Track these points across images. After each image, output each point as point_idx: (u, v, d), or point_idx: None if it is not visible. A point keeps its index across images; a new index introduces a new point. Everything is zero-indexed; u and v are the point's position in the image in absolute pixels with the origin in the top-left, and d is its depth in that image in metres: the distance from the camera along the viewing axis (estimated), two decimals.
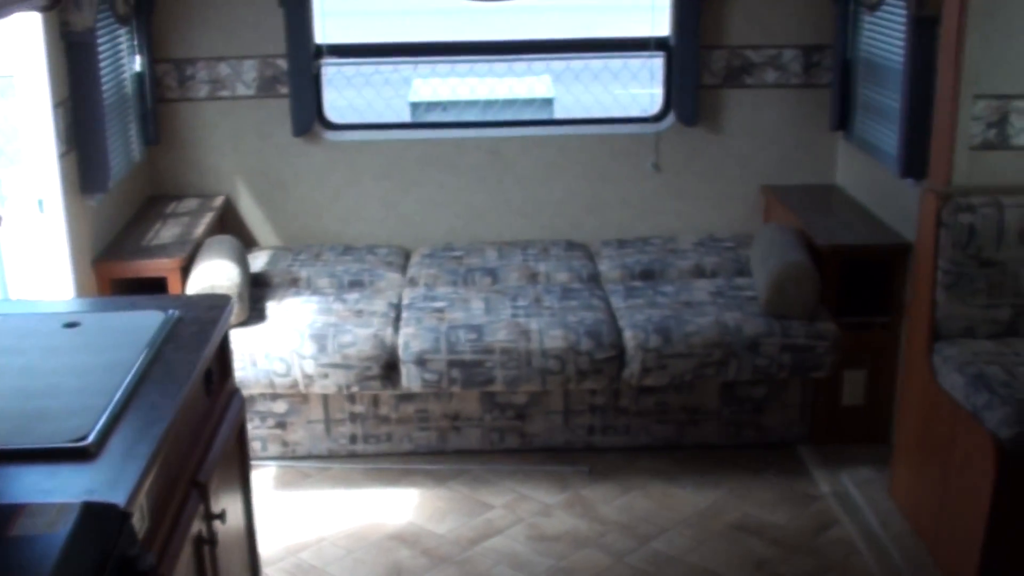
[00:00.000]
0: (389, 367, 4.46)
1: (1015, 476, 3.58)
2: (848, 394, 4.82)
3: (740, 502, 4.45)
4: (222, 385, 3.08)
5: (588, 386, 4.56)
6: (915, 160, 4.52)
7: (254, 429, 4.67)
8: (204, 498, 2.67)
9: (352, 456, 4.74)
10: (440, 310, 4.70)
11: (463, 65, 6.11)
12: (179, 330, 2.87)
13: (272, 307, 4.71)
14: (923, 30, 4.42)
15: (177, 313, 2.96)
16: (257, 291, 4.89)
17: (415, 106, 7.73)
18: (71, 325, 2.90)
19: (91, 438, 2.27)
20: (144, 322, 2.87)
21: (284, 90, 5.42)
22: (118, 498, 2.05)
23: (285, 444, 4.71)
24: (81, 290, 4.35)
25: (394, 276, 5.13)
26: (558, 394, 4.66)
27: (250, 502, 3.28)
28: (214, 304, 3.06)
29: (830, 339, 4.55)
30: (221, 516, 2.76)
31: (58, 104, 4.21)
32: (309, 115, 5.40)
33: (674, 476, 4.63)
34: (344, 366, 4.42)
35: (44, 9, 2.91)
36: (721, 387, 4.70)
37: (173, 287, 4.60)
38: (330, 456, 4.74)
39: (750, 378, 4.60)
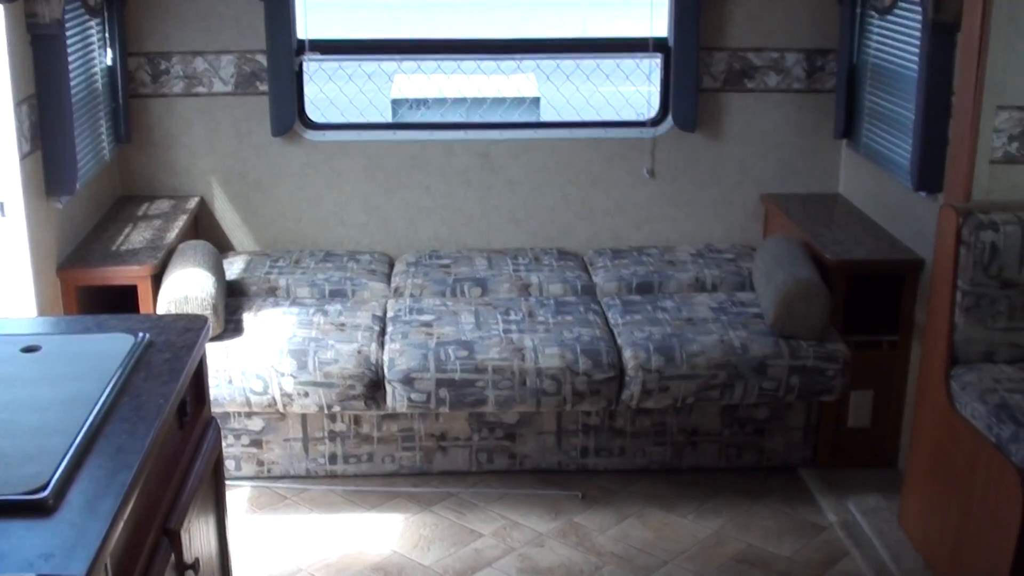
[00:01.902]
0: (373, 386, 4.20)
1: None
2: (854, 416, 4.61)
3: (743, 532, 4.22)
4: (197, 415, 2.81)
5: (585, 408, 4.32)
6: (929, 172, 4.33)
7: (227, 447, 4.40)
8: (175, 547, 2.40)
9: (331, 477, 4.48)
10: (428, 324, 4.44)
11: (449, 62, 5.85)
12: (150, 356, 2.60)
13: (249, 319, 4.44)
14: (940, 36, 4.23)
15: (148, 336, 2.68)
16: (233, 301, 4.62)
17: (396, 103, 7.46)
18: (30, 349, 2.61)
19: (49, 488, 1.99)
20: (111, 347, 2.60)
21: (263, 87, 5.15)
22: (78, 567, 1.78)
23: (260, 463, 4.45)
24: (45, 299, 4.07)
25: (378, 286, 4.87)
26: (551, 414, 4.41)
27: (226, 544, 3.01)
28: (189, 326, 2.79)
29: (841, 361, 4.32)
30: (194, 566, 2.49)
31: (22, 101, 3.92)
32: (289, 114, 5.13)
33: (672, 502, 4.40)
34: (325, 384, 4.16)
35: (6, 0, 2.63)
36: (722, 408, 4.46)
37: (143, 296, 4.33)
38: (308, 476, 4.48)
39: (755, 401, 4.36)
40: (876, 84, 4.91)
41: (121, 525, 2.00)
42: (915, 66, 4.42)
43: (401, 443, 4.44)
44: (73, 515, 1.95)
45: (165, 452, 2.49)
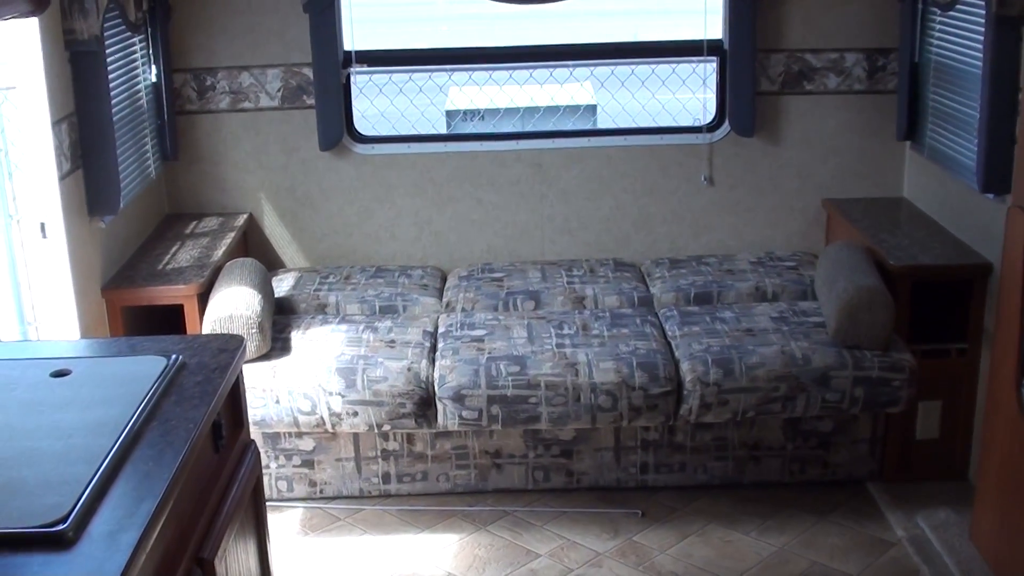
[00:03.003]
0: (424, 404, 4.10)
1: None
2: (922, 427, 4.45)
3: (807, 549, 4.07)
4: (234, 439, 2.73)
5: (642, 423, 4.19)
6: (996, 173, 4.17)
7: (279, 468, 4.32)
8: None
9: (385, 496, 4.39)
10: (479, 339, 4.34)
11: (502, 72, 5.76)
12: (181, 379, 2.52)
13: (297, 337, 4.36)
14: (1005, 30, 4.06)
15: (181, 359, 2.61)
16: (281, 319, 4.54)
17: (451, 114, 7.39)
18: (60, 374, 2.54)
19: (69, 521, 1.91)
20: (142, 370, 2.52)
21: (310, 101, 5.09)
22: None
23: (312, 484, 4.36)
24: (89, 320, 4.02)
25: (429, 301, 4.77)
26: (608, 430, 4.29)
27: (268, 571, 2.92)
28: (224, 347, 2.71)
29: (907, 371, 4.16)
30: None
31: (61, 119, 3.88)
32: (337, 127, 5.05)
33: (734, 519, 4.25)
34: (375, 403, 4.07)
35: (29, 14, 2.57)
36: (784, 422, 4.32)
37: (190, 315, 4.27)
38: (361, 496, 4.39)
39: (818, 414, 4.21)
40: (939, 83, 4.76)
41: (143, 557, 1.91)
42: (979, 63, 4.27)
43: (455, 461, 4.34)
44: (93, 548, 1.87)
45: (198, 478, 2.41)
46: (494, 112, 6.43)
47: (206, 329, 4.13)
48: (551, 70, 5.79)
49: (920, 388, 4.28)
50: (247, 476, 2.72)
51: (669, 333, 4.43)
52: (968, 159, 4.42)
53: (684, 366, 4.18)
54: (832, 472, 4.43)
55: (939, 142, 4.77)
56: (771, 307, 4.60)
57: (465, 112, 7.15)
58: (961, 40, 4.50)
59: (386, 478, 4.35)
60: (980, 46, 4.25)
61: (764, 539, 4.13)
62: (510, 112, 6.11)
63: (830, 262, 4.55)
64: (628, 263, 5.16)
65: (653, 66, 5.58)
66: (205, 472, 2.48)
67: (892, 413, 4.33)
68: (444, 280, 5.07)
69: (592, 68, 6.15)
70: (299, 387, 4.09)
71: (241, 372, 2.79)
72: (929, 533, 4.12)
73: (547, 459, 4.34)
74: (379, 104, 5.59)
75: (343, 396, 4.07)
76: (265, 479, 4.32)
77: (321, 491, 4.38)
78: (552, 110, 5.98)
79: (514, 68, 5.64)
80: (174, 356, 2.60)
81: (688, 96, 5.50)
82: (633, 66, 5.58)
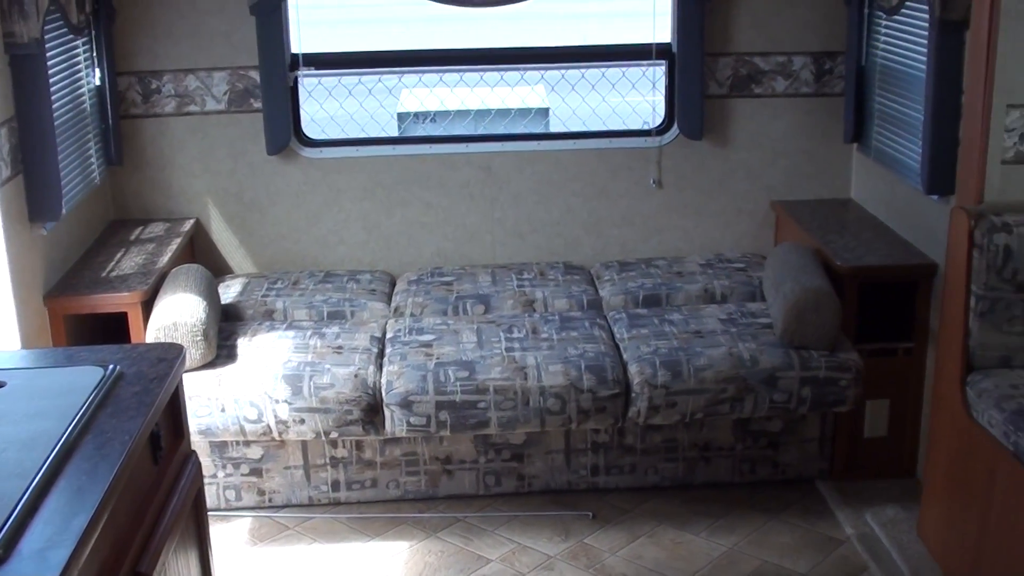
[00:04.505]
0: (371, 410, 4.07)
1: None
2: (870, 426, 4.48)
3: (757, 548, 4.08)
4: (173, 450, 2.70)
5: (591, 426, 4.19)
6: (940, 175, 4.21)
7: (226, 477, 4.29)
8: None
9: (334, 504, 4.36)
10: (428, 344, 4.32)
11: (452, 75, 5.74)
12: (118, 390, 2.49)
13: (243, 344, 4.32)
14: (948, 35, 4.10)
15: (118, 369, 2.57)
16: (228, 326, 4.51)
17: (402, 117, 7.36)
18: None
19: None
20: (79, 381, 2.49)
21: (258, 104, 5.05)
22: None
23: (261, 493, 4.33)
24: (30, 330, 3.96)
25: (378, 306, 4.75)
26: (558, 433, 4.28)
27: None
28: (163, 356, 2.68)
29: (853, 371, 4.18)
30: None
31: (1, 124, 3.82)
32: (285, 131, 5.02)
33: (685, 519, 4.26)
34: (322, 410, 4.04)
35: None
36: (734, 422, 4.33)
37: (134, 324, 4.22)
38: (310, 505, 4.36)
39: (766, 415, 4.22)
40: (885, 86, 4.79)
41: (76, 574, 1.88)
42: (923, 66, 4.30)
43: (405, 468, 4.32)
44: (23, 567, 1.84)
45: (135, 491, 2.38)
46: (445, 115, 6.42)
47: (150, 337, 4.09)
48: (502, 73, 5.78)
49: (867, 387, 4.30)
50: (187, 488, 2.69)
51: (618, 336, 4.43)
52: (913, 161, 4.46)
53: (632, 369, 4.18)
54: (782, 472, 4.44)
55: (885, 144, 4.80)
56: (719, 309, 4.61)
57: (416, 115, 7.13)
58: (906, 44, 4.53)
59: (335, 486, 4.33)
60: (924, 49, 4.28)
61: (714, 539, 4.14)
62: (461, 115, 6.10)
63: (778, 263, 4.56)
64: (578, 266, 5.16)
65: (603, 70, 5.59)
66: (143, 485, 2.45)
67: (840, 412, 4.35)
68: (393, 285, 5.04)
69: (543, 72, 6.15)
70: (245, 395, 4.06)
71: (181, 382, 2.76)
72: (878, 530, 4.14)
73: (498, 464, 4.33)
74: (329, 107, 5.56)
75: (290, 403, 4.04)
76: (213, 489, 4.29)
77: (270, 500, 4.35)
78: (504, 113, 5.97)
79: (464, 71, 5.63)
80: (112, 366, 2.57)
81: (639, 100, 5.50)
82: (584, 70, 5.58)
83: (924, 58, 4.28)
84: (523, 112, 6.33)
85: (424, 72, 5.77)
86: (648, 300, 4.75)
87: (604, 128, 5.42)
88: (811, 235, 4.76)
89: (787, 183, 5.29)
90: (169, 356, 2.68)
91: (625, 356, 4.26)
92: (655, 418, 4.16)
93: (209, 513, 4.15)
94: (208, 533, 2.89)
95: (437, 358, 4.21)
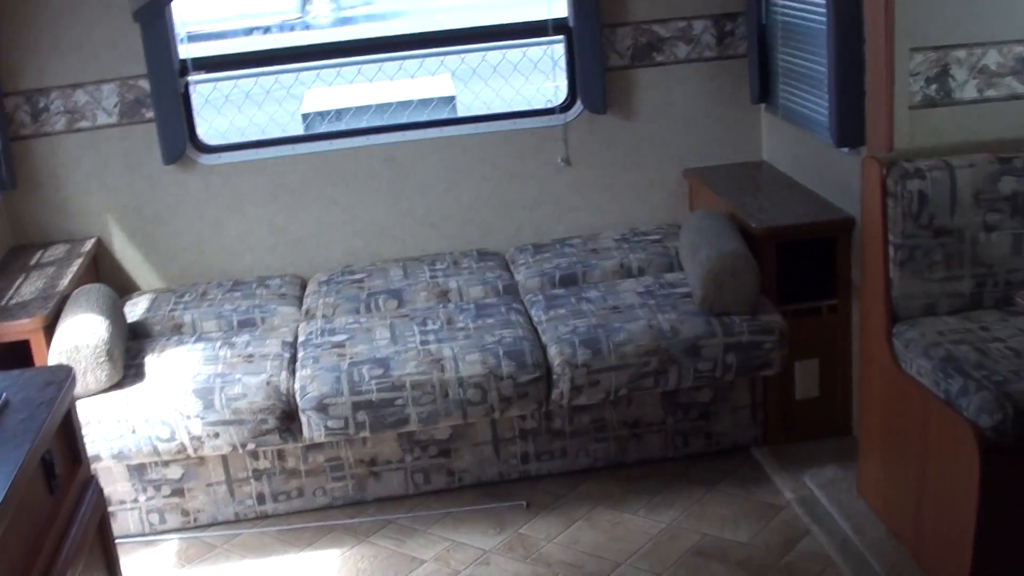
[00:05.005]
0: (287, 418, 3.94)
1: (1002, 468, 3.20)
2: (801, 387, 4.42)
3: (697, 522, 4.01)
4: (71, 478, 2.55)
5: (515, 413, 4.08)
6: (850, 126, 4.15)
7: (148, 500, 4.14)
8: None
9: (262, 518, 4.22)
10: (340, 345, 4.19)
11: (350, 70, 5.62)
12: (4, 418, 2.34)
13: (152, 361, 4.17)
14: None
15: (4, 396, 2.43)
16: (135, 344, 4.35)
17: (306, 118, 7.22)
18: None
19: None
20: None
21: (150, 114, 4.88)
22: None
23: (185, 513, 4.18)
24: None
25: (288, 310, 4.61)
26: (483, 423, 4.17)
27: None
28: (51, 379, 2.54)
29: (777, 333, 4.12)
30: None
31: None
32: (180, 139, 4.86)
33: (621, 499, 4.18)
34: (236, 422, 3.90)
35: None
36: (662, 396, 4.24)
37: (37, 350, 4.05)
38: (237, 521, 4.21)
39: (693, 385, 4.14)
40: (788, 43, 4.73)
41: None
42: (824, 19, 4.23)
43: (330, 474, 4.19)
44: None
45: (30, 522, 2.24)
46: (351, 111, 6.30)
47: (52, 362, 3.92)
48: (400, 63, 5.66)
49: (795, 348, 4.25)
50: (88, 516, 2.55)
51: (535, 319, 4.33)
52: (821, 116, 4.40)
53: (552, 350, 4.08)
54: (716, 442, 4.37)
55: (792, 102, 4.74)
56: (637, 282, 4.52)
57: (322, 114, 7.00)
58: None
59: (261, 499, 4.19)
60: (823, 3, 4.21)
61: (652, 517, 4.06)
62: (366, 110, 5.98)
63: (693, 231, 4.49)
64: (492, 252, 5.06)
65: (504, 52, 5.49)
66: (38, 515, 2.32)
67: (769, 376, 4.28)
68: (304, 287, 4.91)
69: (443, 58, 6.05)
70: (155, 414, 3.90)
71: (73, 405, 2.62)
72: (817, 492, 4.08)
73: (425, 461, 4.21)
74: (228, 113, 5.41)
75: (202, 418, 3.89)
76: (135, 514, 4.14)
77: (195, 520, 4.20)
78: (409, 104, 5.87)
79: (361, 63, 5.50)
80: None
81: (546, 82, 5.40)
82: (484, 52, 5.48)
83: (824, 11, 4.22)
84: (428, 102, 6.23)
85: (321, 68, 5.63)
86: (564, 280, 4.66)
87: (508, 110, 5.31)
88: (725, 200, 4.69)
89: (697, 150, 5.22)
90: (57, 379, 2.54)
91: (544, 339, 4.17)
92: (579, 399, 4.06)
93: (134, 539, 4.10)
94: (117, 560, 2.76)
95: (351, 358, 4.08)
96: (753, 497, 4.13)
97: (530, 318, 4.36)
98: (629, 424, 4.28)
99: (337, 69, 5.73)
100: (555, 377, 4.04)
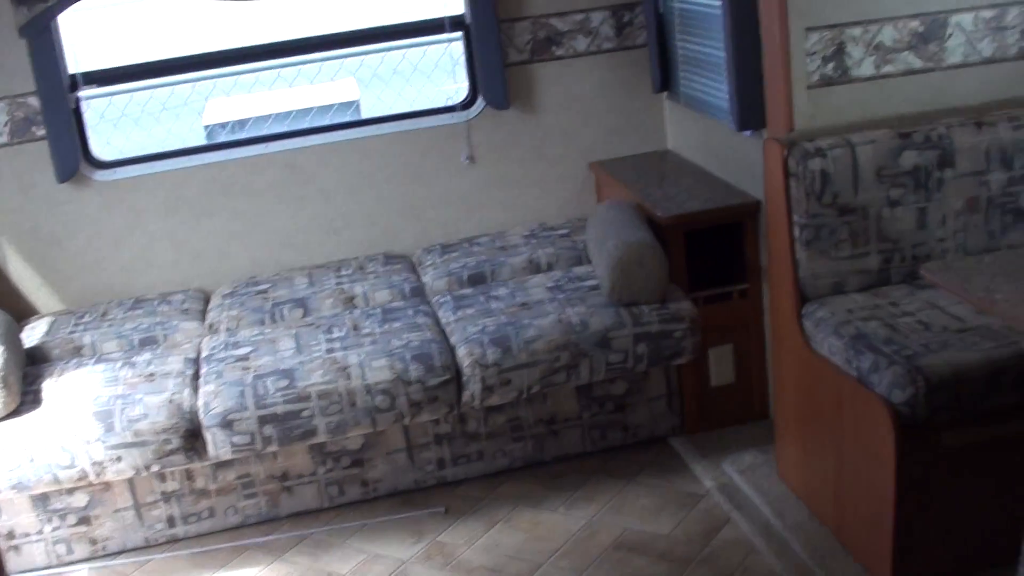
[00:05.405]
0: (191, 436, 3.83)
1: (917, 443, 3.19)
2: (716, 373, 4.38)
3: (618, 516, 3.95)
4: None
5: (426, 418, 4.00)
6: (750, 110, 4.13)
7: (54, 531, 4.00)
8: None
9: (173, 542, 4.10)
10: (244, 357, 4.09)
11: (248, 77, 5.50)
12: None
13: (50, 386, 4.04)
14: None
15: None
16: (34, 370, 4.22)
17: (209, 129, 7.10)
18: None
19: None
20: None
21: (41, 132, 4.73)
22: None
23: (93, 542, 4.04)
24: None
25: (191, 325, 4.50)
26: (395, 430, 4.08)
27: None
28: None
29: (687, 320, 4.08)
30: None
31: None
32: (73, 156, 4.72)
33: (541, 498, 4.11)
34: (138, 444, 3.78)
35: None
36: (577, 391, 4.18)
37: None
38: (148, 546, 4.09)
39: (605, 377, 4.09)
40: (685, 30, 4.70)
41: None
42: (719, 4, 4.21)
43: (242, 491, 4.07)
44: None
45: None
46: (253, 121, 6.19)
47: None
48: (299, 68, 5.56)
49: (708, 335, 4.22)
50: None
51: (443, 320, 4.26)
52: (722, 101, 4.37)
53: (460, 351, 4.01)
54: (633, 434, 4.32)
55: (693, 89, 4.72)
56: (546, 278, 4.47)
57: (224, 125, 6.89)
58: None
59: (171, 521, 4.07)
60: None
61: (573, 513, 4.00)
62: (270, 118, 5.88)
63: (599, 223, 4.44)
64: (399, 255, 4.98)
65: (404, 53, 5.41)
66: None
67: (683, 364, 4.24)
68: (208, 302, 4.79)
69: (343, 62, 5.95)
70: (54, 440, 3.77)
71: None
72: (737, 479, 4.05)
73: (339, 472, 4.11)
74: (125, 129, 5.28)
75: (103, 442, 3.77)
76: (40, 546, 4.00)
77: (104, 548, 4.06)
78: (319, 110, 5.77)
79: (257, 70, 5.38)
80: None
81: (450, 83, 5.33)
82: (383, 55, 5.39)
83: None
84: (330, 108, 6.14)
85: (219, 78, 5.50)
86: (473, 279, 4.59)
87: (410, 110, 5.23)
88: (631, 190, 4.65)
89: (602, 142, 5.18)
90: None
91: (452, 340, 4.10)
92: (491, 399, 3.99)
93: (41, 572, 3.96)
94: None
95: (255, 371, 3.98)
96: (673, 487, 4.08)
97: (438, 320, 4.28)
98: (545, 421, 4.21)
99: (235, 78, 5.61)
100: (465, 379, 3.97)
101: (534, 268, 4.62)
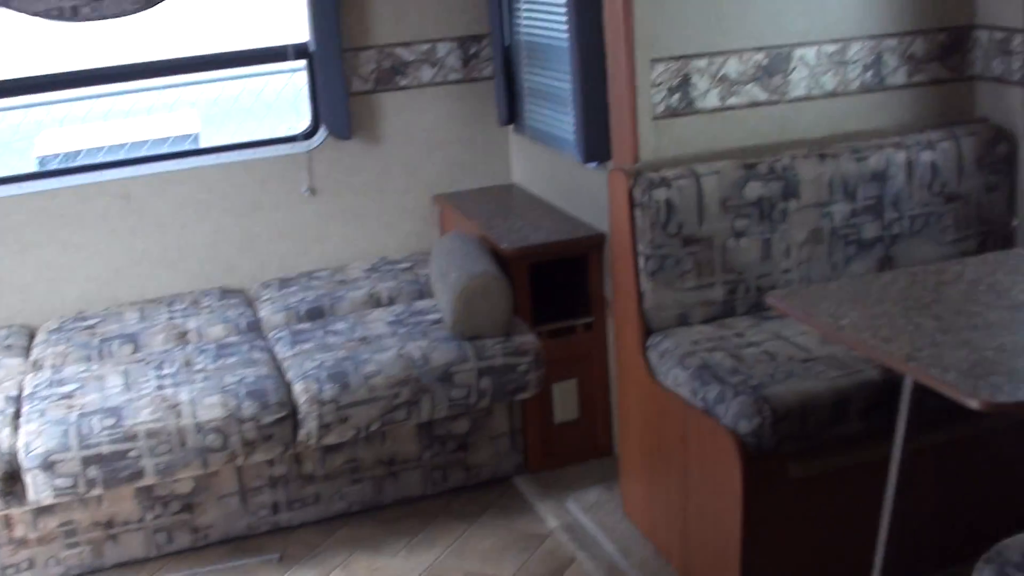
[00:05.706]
0: (9, 479, 3.57)
1: (763, 474, 3.15)
2: (560, 410, 4.30)
3: (459, 559, 3.83)
4: None
5: (260, 458, 3.82)
6: (596, 142, 4.10)
7: None
8: None
9: None
10: (69, 395, 3.86)
11: (82, 106, 5.30)
12: None
13: None
14: (586, 2, 3.99)
15: None
16: None
17: (42, 160, 6.84)
18: None
19: None
20: None
21: None
22: None
23: None
24: None
25: (14, 362, 4.24)
26: (228, 472, 3.89)
27: None
28: None
29: (531, 354, 4.01)
30: None
31: None
32: None
33: (380, 543, 3.96)
34: None
35: None
36: (418, 429, 4.06)
37: None
38: None
39: (448, 414, 3.98)
40: (532, 63, 4.68)
41: None
42: (566, 36, 4.18)
43: (64, 540, 3.81)
44: None
45: None
46: (90, 151, 5.96)
47: None
48: (134, 98, 5.38)
49: (552, 369, 4.15)
50: None
51: (279, 355, 4.10)
52: (568, 134, 4.35)
53: (297, 387, 3.85)
54: (476, 474, 4.21)
55: (539, 122, 4.69)
56: (387, 312, 4.34)
57: (58, 155, 6.64)
58: (547, 17, 4.42)
59: None
60: (565, 21, 4.16)
61: (414, 558, 3.86)
62: (108, 150, 5.67)
63: (442, 255, 4.34)
64: (235, 289, 4.80)
65: (244, 83, 5.27)
66: None
67: (527, 401, 4.16)
68: (33, 337, 4.54)
69: (180, 93, 5.79)
70: None
71: None
72: (582, 517, 3.97)
73: (167, 518, 3.89)
74: None
75: None
76: None
77: None
78: (154, 143, 5.58)
79: (92, 97, 5.20)
80: None
81: (293, 118, 5.20)
82: (223, 85, 5.25)
83: (565, 28, 4.16)
84: (166, 140, 5.95)
85: (51, 104, 5.29)
86: (311, 314, 4.44)
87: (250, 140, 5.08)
88: (476, 223, 4.57)
89: (447, 175, 5.10)
90: None
91: (288, 375, 3.94)
92: (328, 437, 3.84)
93: None
94: None
95: (80, 409, 3.75)
96: (516, 528, 3.98)
97: (274, 356, 4.12)
98: (385, 462, 4.07)
99: (68, 107, 5.41)
100: (301, 416, 3.81)
101: (375, 302, 4.49)
